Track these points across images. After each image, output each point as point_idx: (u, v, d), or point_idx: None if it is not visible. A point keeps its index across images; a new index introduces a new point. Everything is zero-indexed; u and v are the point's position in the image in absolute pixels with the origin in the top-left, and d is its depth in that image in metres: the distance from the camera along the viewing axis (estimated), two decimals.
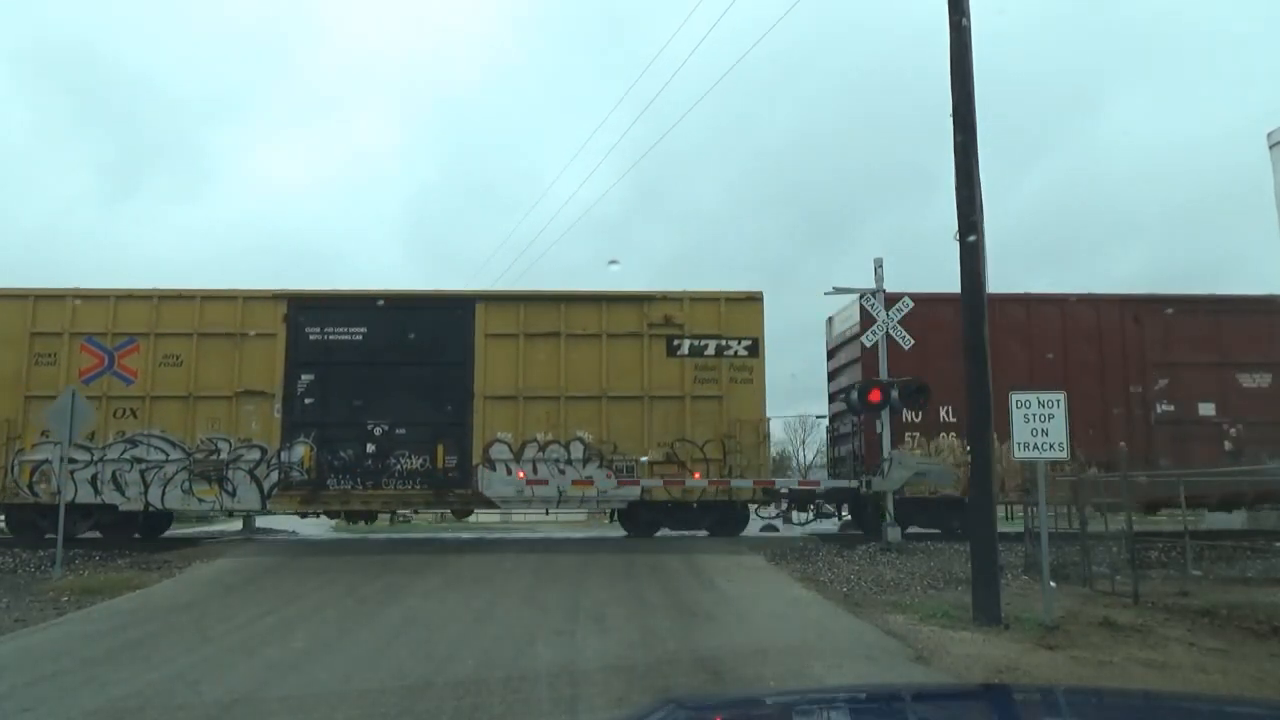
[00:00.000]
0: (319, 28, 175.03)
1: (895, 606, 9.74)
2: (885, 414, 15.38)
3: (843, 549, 14.68)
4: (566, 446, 15.16)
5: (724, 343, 15.50)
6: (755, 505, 16.43)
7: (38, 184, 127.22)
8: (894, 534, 15.44)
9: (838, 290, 16.15)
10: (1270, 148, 16.31)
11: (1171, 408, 15.77)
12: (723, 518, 15.83)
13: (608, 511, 17.03)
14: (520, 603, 10.00)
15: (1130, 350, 16.07)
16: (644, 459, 15.16)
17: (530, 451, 15.15)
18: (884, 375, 15.54)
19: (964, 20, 9.22)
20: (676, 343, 15.48)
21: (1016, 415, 8.77)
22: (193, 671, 6.79)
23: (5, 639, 8.30)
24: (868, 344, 15.85)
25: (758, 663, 7.12)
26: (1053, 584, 8.92)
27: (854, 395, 15.32)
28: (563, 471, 15.10)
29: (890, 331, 15.57)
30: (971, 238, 9.15)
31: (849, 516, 17.59)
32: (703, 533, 16.03)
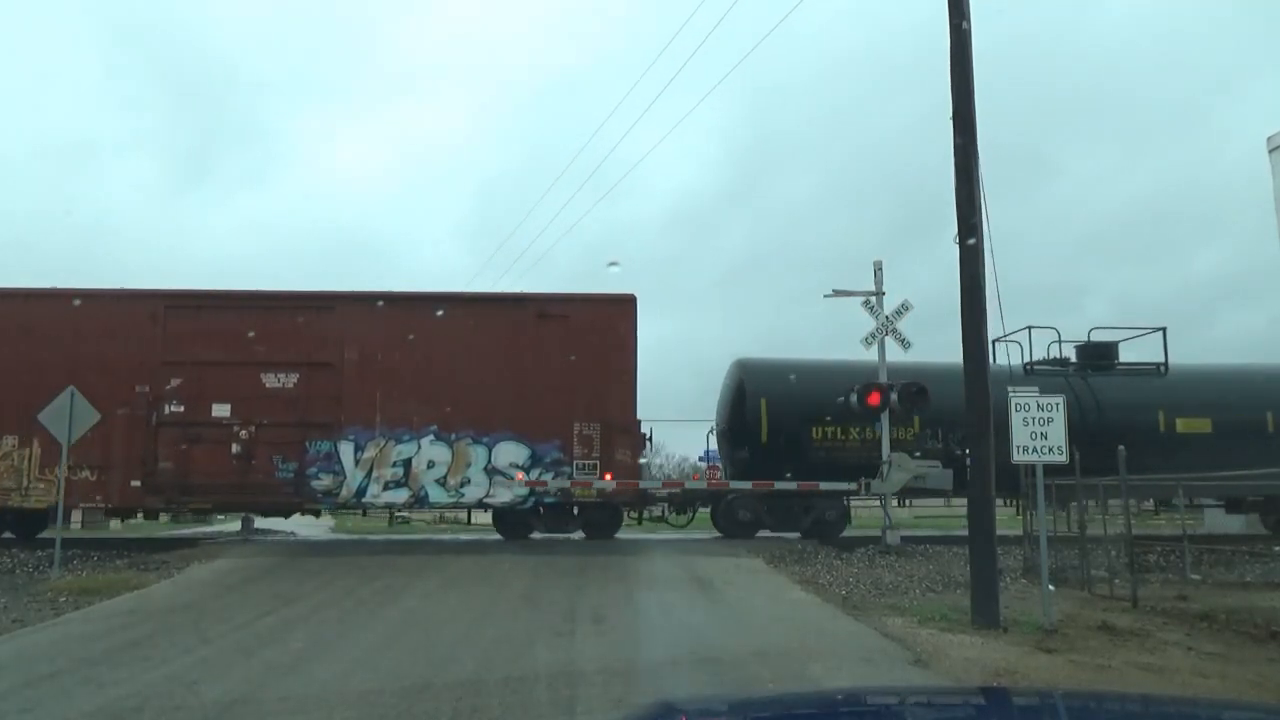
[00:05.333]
0: (411, 6, 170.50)
1: (894, 609, 9.74)
2: (885, 416, 15.40)
3: (841, 552, 14.69)
4: None
5: None
6: None
7: (106, 166, 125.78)
8: (893, 537, 15.46)
9: (837, 293, 16.19)
10: (1270, 152, 16.33)
11: (182, 408, 14.96)
12: None
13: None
14: (519, 604, 9.99)
15: (144, 349, 15.13)
16: None
17: None
18: (883, 378, 15.56)
19: (964, 23, 9.23)
20: None
21: (1015, 418, 8.76)
22: (191, 672, 6.78)
23: (3, 639, 8.29)
24: (867, 346, 15.86)
25: (756, 665, 7.11)
26: (1051, 587, 8.92)
27: (853, 398, 15.34)
28: None
29: (890, 334, 15.60)
30: (971, 240, 9.14)
31: None
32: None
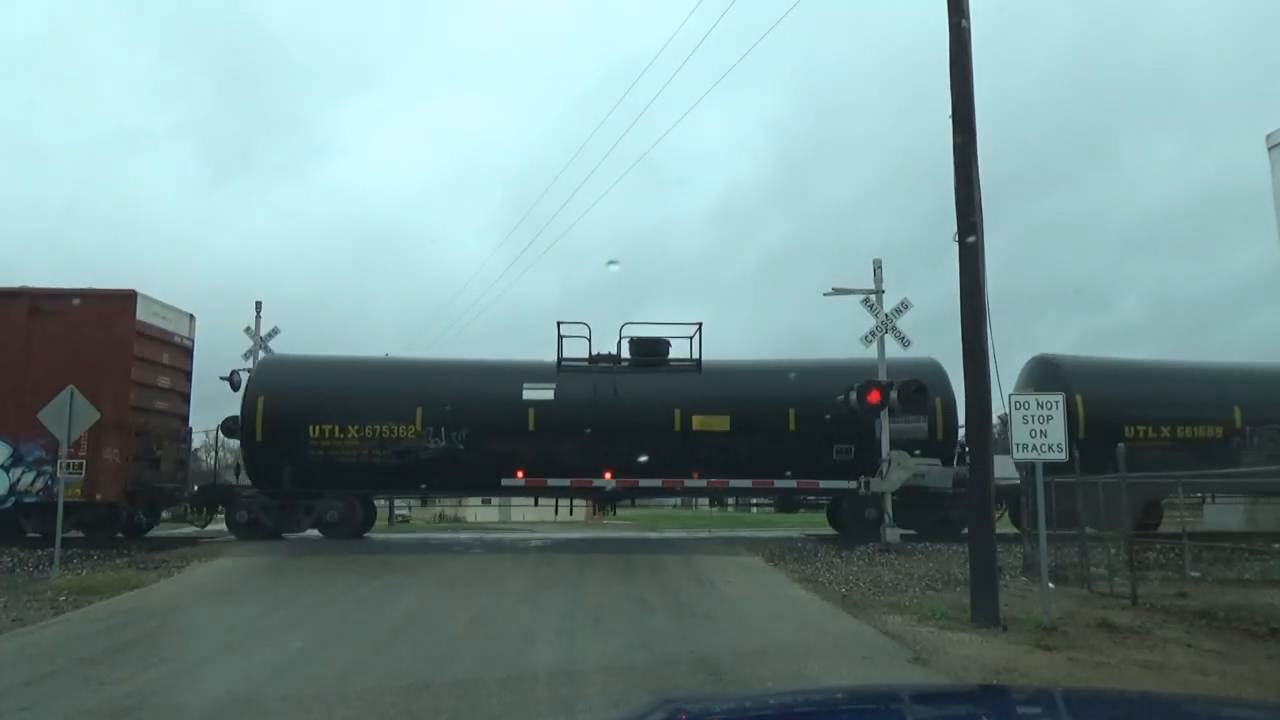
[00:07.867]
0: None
1: (894, 607, 9.74)
2: (884, 415, 15.39)
3: (841, 550, 14.69)
4: None
5: None
6: None
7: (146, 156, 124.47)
8: (892, 535, 15.45)
9: (837, 291, 16.18)
10: (1269, 149, 16.30)
11: None
12: None
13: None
14: (518, 603, 10.00)
15: None
16: None
17: None
18: (883, 376, 15.55)
19: (964, 21, 9.22)
20: None
21: (1015, 416, 8.75)
22: (190, 671, 6.79)
23: (3, 638, 8.29)
24: (867, 345, 15.85)
25: (756, 663, 7.12)
26: (1051, 585, 8.92)
27: (853, 396, 15.33)
28: None
29: (889, 332, 15.59)
30: (971, 238, 9.13)
31: None
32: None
